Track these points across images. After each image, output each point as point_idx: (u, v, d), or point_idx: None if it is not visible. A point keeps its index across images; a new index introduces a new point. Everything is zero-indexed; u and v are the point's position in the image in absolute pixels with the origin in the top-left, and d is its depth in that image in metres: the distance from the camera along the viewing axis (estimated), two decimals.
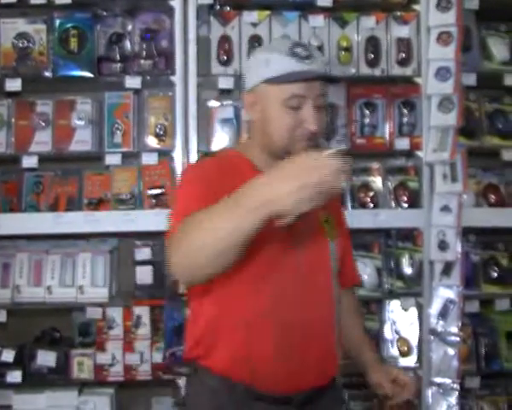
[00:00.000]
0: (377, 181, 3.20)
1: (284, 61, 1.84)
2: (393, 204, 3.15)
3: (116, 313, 3.13)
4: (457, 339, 3.03)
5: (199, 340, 1.92)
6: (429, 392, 3.05)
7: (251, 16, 3.10)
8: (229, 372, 1.86)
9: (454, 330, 3.03)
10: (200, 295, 1.91)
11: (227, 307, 1.86)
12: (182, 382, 3.00)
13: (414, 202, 3.13)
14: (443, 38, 3.01)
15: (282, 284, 1.85)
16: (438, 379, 3.04)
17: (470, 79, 3.12)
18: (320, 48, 3.08)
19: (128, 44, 3.10)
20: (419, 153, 3.10)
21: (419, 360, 3.14)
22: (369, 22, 3.14)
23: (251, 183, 1.54)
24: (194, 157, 3.01)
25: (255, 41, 3.08)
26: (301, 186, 1.47)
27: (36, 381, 3.10)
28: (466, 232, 3.13)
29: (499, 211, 3.19)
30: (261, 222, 1.51)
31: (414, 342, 3.16)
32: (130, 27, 3.11)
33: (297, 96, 1.84)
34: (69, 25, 3.08)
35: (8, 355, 3.09)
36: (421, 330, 3.11)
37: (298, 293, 1.88)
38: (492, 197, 3.24)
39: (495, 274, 3.24)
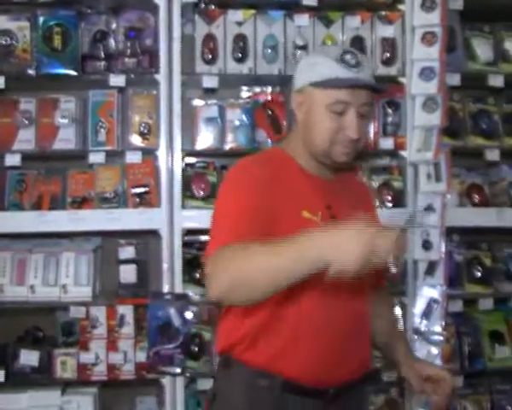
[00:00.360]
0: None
1: (332, 67, 1.88)
2: (378, 203, 3.15)
3: (100, 313, 3.10)
4: (441, 338, 3.05)
5: (243, 337, 1.91)
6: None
7: (236, 15, 3.10)
8: (269, 366, 1.87)
9: (437, 329, 3.04)
10: None
11: (277, 312, 1.86)
12: (166, 381, 3.00)
13: (398, 202, 3.14)
14: (427, 38, 3.02)
15: (327, 294, 1.85)
16: None
17: (454, 80, 3.13)
18: (305, 47, 3.09)
19: (112, 42, 3.09)
20: (403, 153, 3.11)
21: None
22: (354, 22, 3.14)
23: (312, 236, 1.59)
24: (178, 156, 3.01)
25: (240, 40, 3.09)
26: (363, 253, 1.53)
27: (19, 380, 3.07)
28: (450, 232, 3.14)
29: (483, 211, 3.20)
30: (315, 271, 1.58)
31: None
32: (114, 25, 3.10)
33: (341, 102, 1.87)
34: (53, 22, 3.05)
35: None
36: (404, 329, 3.11)
37: (339, 300, 1.88)
38: (476, 197, 3.25)
39: (478, 274, 3.26)
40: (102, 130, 3.09)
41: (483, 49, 3.25)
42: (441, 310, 3.05)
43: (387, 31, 3.15)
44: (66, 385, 3.12)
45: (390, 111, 3.15)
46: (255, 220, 1.74)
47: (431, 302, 3.05)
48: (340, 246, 1.55)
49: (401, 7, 3.12)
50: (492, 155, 3.21)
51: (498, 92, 3.32)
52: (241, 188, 1.85)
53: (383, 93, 1.94)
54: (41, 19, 3.05)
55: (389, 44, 3.13)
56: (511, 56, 3.28)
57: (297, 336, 1.86)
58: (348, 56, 1.88)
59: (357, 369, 1.95)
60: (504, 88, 3.23)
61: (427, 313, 3.04)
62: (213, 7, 3.12)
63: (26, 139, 3.08)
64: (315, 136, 1.92)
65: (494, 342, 3.28)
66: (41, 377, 3.08)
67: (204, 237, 3.20)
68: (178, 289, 3.01)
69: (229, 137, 3.13)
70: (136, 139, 3.10)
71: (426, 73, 3.01)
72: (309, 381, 1.87)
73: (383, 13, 3.16)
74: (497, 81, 3.19)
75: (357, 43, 3.12)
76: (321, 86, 1.89)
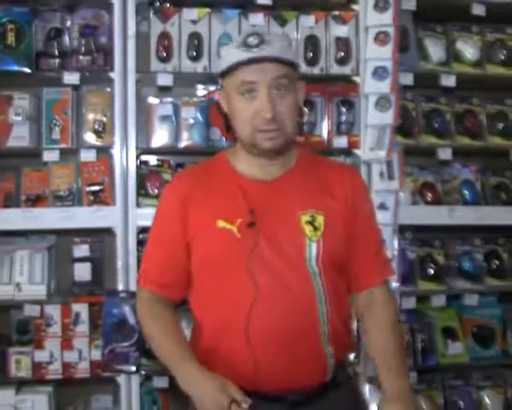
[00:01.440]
0: None
1: (234, 53, 1.90)
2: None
3: (54, 311, 3.08)
4: None
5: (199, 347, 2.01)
6: (366, 388, 3.08)
7: (191, 13, 3.10)
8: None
9: None
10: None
11: (207, 315, 1.99)
12: (121, 379, 2.99)
13: None
14: (380, 38, 3.05)
15: (252, 289, 1.88)
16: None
17: (407, 79, 3.16)
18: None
19: (67, 40, 3.07)
20: (357, 151, 3.13)
21: (357, 356, 3.17)
22: (308, 21, 3.16)
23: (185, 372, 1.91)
24: (132, 154, 3.01)
25: (195, 38, 3.09)
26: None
27: None
28: (402, 230, 3.18)
29: (435, 209, 3.24)
30: None
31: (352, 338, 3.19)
32: (68, 23, 3.08)
33: (246, 82, 1.88)
34: (6, 19, 3.02)
35: None
36: (358, 326, 3.14)
37: (272, 295, 1.89)
38: (429, 195, 3.29)
39: (431, 271, 3.30)
40: (57, 128, 3.08)
41: (435, 49, 3.28)
42: None
43: (341, 30, 3.17)
44: (20, 384, 3.10)
45: (344, 110, 3.17)
46: (167, 253, 2.02)
47: None
48: (200, 397, 1.85)
49: (355, 7, 3.15)
50: (445, 153, 3.25)
51: (450, 92, 3.36)
52: (156, 217, 2.09)
53: (293, 65, 1.91)
54: None
55: (343, 44, 3.15)
56: (463, 56, 3.32)
57: (246, 343, 1.89)
58: (250, 39, 1.88)
59: (312, 375, 1.94)
60: (456, 88, 3.26)
61: None
62: (168, 5, 3.13)
63: None
64: (237, 126, 1.96)
65: (447, 338, 3.33)
66: None
67: None
68: (133, 287, 2.99)
69: (184, 135, 3.14)
70: (90, 137, 3.09)
71: (379, 73, 3.04)
72: (262, 388, 1.90)
73: (337, 13, 3.18)
74: (449, 81, 3.23)
75: (312, 42, 3.14)
76: (226, 75, 1.93)
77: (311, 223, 1.94)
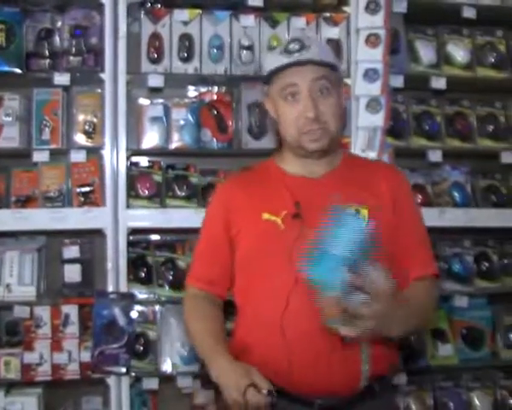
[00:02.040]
0: None
1: (276, 59, 1.98)
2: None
3: (44, 312, 3.07)
4: None
5: (236, 344, 2.03)
6: None
7: (182, 14, 3.11)
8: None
9: None
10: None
11: (247, 306, 2.04)
12: (111, 381, 2.99)
13: None
14: (371, 40, 3.06)
15: (292, 279, 1.87)
16: None
17: (398, 81, 3.16)
18: (250, 47, 3.11)
19: (57, 40, 3.07)
20: None
21: None
22: (299, 23, 3.17)
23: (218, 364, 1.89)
24: (123, 155, 3.00)
25: (186, 39, 3.10)
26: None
27: None
28: None
29: (425, 211, 3.14)
30: None
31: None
32: (59, 23, 3.08)
33: (289, 85, 1.95)
34: None
35: None
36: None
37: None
38: (419, 197, 3.28)
39: None
40: (47, 128, 3.08)
41: (426, 52, 3.29)
42: None
43: (332, 32, 3.18)
44: (9, 386, 3.09)
45: None
46: (211, 251, 2.10)
47: None
48: (226, 384, 1.83)
49: (346, 9, 3.16)
50: (435, 155, 3.25)
51: (441, 94, 3.37)
52: (204, 219, 2.17)
53: (332, 66, 1.97)
54: None
55: (334, 46, 3.14)
56: (453, 59, 3.34)
57: (281, 337, 1.88)
58: (292, 44, 1.96)
59: (344, 382, 1.91)
60: (447, 90, 3.27)
61: None
62: (159, 6, 3.13)
63: None
64: (284, 131, 2.02)
65: (437, 340, 3.33)
66: None
67: (149, 237, 3.22)
68: (123, 288, 3.00)
69: (175, 136, 3.14)
70: (80, 138, 3.09)
71: (369, 75, 3.05)
72: (293, 387, 1.90)
73: (328, 14, 3.19)
74: (439, 83, 3.24)
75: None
76: (270, 80, 2.00)
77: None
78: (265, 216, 1.97)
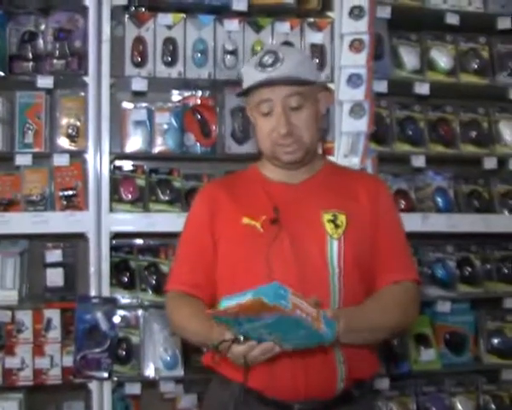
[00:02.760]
0: None
1: (251, 73, 1.98)
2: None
3: (26, 316, 3.04)
4: None
5: None
6: None
7: (166, 18, 3.10)
8: (234, 375, 1.93)
9: None
10: None
11: None
12: (93, 385, 2.97)
13: None
14: (355, 46, 3.07)
15: (268, 281, 1.83)
16: None
17: (381, 86, 3.18)
18: (234, 52, 3.11)
19: (41, 43, 3.06)
20: (331, 158, 3.13)
21: None
22: (283, 28, 3.17)
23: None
24: (106, 159, 2.99)
25: (170, 43, 3.09)
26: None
27: None
28: None
29: (409, 216, 3.22)
30: None
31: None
32: (43, 26, 3.07)
33: (263, 101, 1.97)
34: None
35: None
36: None
37: None
38: (402, 202, 3.29)
39: None
40: (30, 132, 3.07)
41: (410, 58, 3.31)
42: None
43: (317, 37, 3.19)
44: None
45: None
46: (196, 255, 2.07)
47: None
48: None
49: (330, 14, 3.17)
50: (418, 161, 3.27)
51: (424, 100, 3.39)
52: (186, 222, 2.16)
53: (308, 84, 1.98)
54: None
55: (318, 51, 3.16)
56: (437, 65, 3.35)
57: None
58: (266, 58, 1.97)
59: (321, 385, 1.91)
60: (430, 96, 3.29)
61: None
62: (143, 10, 3.13)
63: None
64: (260, 143, 2.05)
65: (419, 345, 3.34)
66: None
67: (132, 241, 3.21)
68: (106, 292, 2.99)
69: (158, 140, 3.14)
70: (63, 142, 3.07)
71: (353, 80, 3.06)
72: (271, 392, 1.91)
73: (312, 20, 3.20)
74: (423, 89, 3.26)
75: None
76: (246, 94, 2.03)
77: (332, 221, 1.98)
78: (245, 221, 1.99)
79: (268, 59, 1.96)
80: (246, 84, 2.01)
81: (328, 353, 1.89)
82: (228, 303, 1.65)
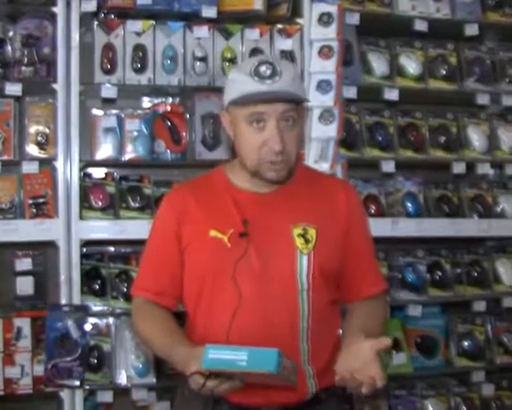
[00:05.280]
0: None
1: (246, 82, 1.89)
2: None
3: None
4: None
5: None
6: None
7: (135, 25, 3.10)
8: None
9: None
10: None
11: (196, 317, 2.02)
12: (65, 394, 2.96)
13: None
14: (324, 52, 3.09)
15: (236, 298, 1.90)
16: None
17: (351, 92, 3.20)
18: (204, 59, 3.11)
19: (9, 50, 3.03)
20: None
21: None
22: (253, 34, 3.18)
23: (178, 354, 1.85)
24: (75, 166, 2.99)
25: (139, 50, 3.09)
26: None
27: None
28: None
29: (379, 221, 3.25)
30: None
31: None
32: (11, 33, 3.04)
33: (257, 113, 1.89)
34: None
35: None
36: None
37: (253, 306, 1.90)
38: (372, 207, 3.30)
39: None
40: None
41: (379, 64, 3.33)
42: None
43: (286, 44, 3.20)
44: None
45: None
46: (161, 260, 2.05)
47: None
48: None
49: (299, 21, 3.18)
50: (388, 166, 3.29)
51: (394, 105, 3.42)
52: (153, 228, 2.12)
53: (303, 102, 1.98)
54: None
55: (288, 57, 3.17)
56: (406, 71, 3.38)
57: None
58: (263, 68, 1.89)
59: (289, 392, 1.90)
60: (399, 101, 3.32)
61: None
62: (112, 17, 3.12)
63: None
64: (244, 155, 1.96)
65: (391, 348, 3.35)
66: None
67: (103, 248, 3.19)
68: (76, 300, 2.98)
69: (128, 147, 3.13)
70: (33, 149, 3.05)
71: (322, 86, 3.08)
72: (245, 400, 1.90)
73: (282, 26, 3.21)
74: (392, 95, 3.28)
75: (257, 55, 3.14)
76: (238, 103, 1.92)
77: (302, 236, 1.96)
78: (212, 233, 1.96)
79: (266, 70, 1.88)
80: (236, 93, 1.91)
81: (298, 369, 1.88)
82: (216, 356, 1.66)
